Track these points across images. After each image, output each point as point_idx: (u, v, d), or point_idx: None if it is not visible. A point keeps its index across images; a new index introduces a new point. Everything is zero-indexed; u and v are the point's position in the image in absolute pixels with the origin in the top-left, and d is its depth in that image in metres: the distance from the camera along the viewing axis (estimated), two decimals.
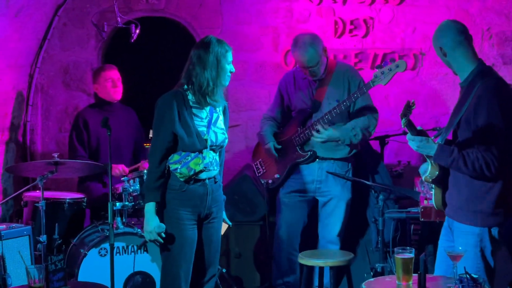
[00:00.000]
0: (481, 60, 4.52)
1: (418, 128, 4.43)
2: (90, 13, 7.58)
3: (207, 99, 4.97)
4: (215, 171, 5.08)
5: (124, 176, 6.42)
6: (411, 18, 7.49)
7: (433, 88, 7.49)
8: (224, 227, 5.32)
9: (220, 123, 5.12)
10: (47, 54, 7.68)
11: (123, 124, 6.86)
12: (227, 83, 5.07)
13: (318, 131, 6.16)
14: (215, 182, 5.11)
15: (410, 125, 4.33)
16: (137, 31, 6.58)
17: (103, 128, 5.31)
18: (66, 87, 7.78)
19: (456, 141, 4.44)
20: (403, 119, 4.25)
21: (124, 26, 6.68)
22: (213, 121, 5.04)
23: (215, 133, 5.04)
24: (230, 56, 5.05)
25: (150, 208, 4.95)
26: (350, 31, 7.52)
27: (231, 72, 5.08)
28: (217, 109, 5.10)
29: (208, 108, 5.04)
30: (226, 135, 5.16)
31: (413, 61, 7.47)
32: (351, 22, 7.52)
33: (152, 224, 4.93)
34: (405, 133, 6.97)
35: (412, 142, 4.40)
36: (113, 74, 6.92)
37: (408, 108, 4.25)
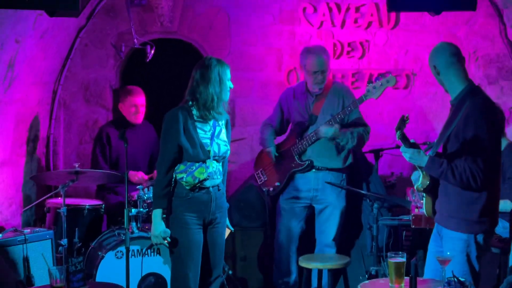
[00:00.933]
0: (471, 80, 4.52)
1: (411, 141, 4.44)
2: (109, 35, 7.60)
3: (212, 112, 5.01)
4: (218, 179, 5.10)
5: (143, 182, 6.50)
6: (403, 41, 7.49)
7: (423, 106, 7.49)
8: (227, 232, 5.33)
9: (223, 135, 5.15)
10: (69, 72, 7.69)
11: (141, 138, 6.85)
12: (227, 98, 5.10)
13: (330, 125, 6.14)
14: (219, 190, 5.13)
15: (404, 138, 4.34)
16: (152, 51, 6.58)
17: (123, 143, 5.31)
18: (86, 102, 7.79)
19: (446, 154, 4.44)
20: (398, 132, 4.26)
21: (140, 46, 6.68)
22: (216, 134, 5.08)
23: (218, 144, 5.07)
24: (229, 73, 5.10)
25: (157, 214, 4.98)
26: (348, 52, 7.53)
27: (230, 88, 5.10)
28: (220, 122, 5.14)
29: (211, 122, 5.07)
30: (229, 147, 5.19)
31: (405, 81, 7.47)
32: (349, 45, 7.52)
33: (158, 229, 4.96)
34: (398, 147, 7.00)
35: (406, 153, 4.41)
36: (138, 100, 6.86)
37: (402, 122, 4.27)
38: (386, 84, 6.04)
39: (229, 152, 5.20)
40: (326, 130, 6.15)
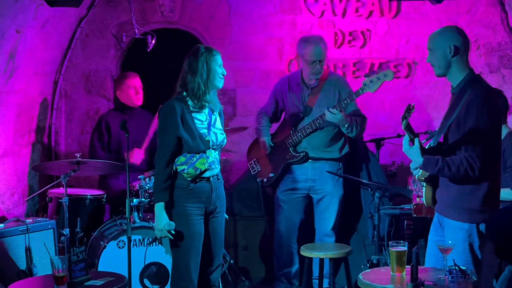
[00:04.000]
0: (471, 68, 4.50)
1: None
2: (110, 25, 7.59)
3: (201, 101, 4.99)
4: (217, 169, 5.12)
5: (141, 161, 6.62)
6: (405, 30, 7.48)
7: (425, 95, 7.48)
8: None
9: (218, 124, 5.17)
10: (70, 63, 7.69)
11: (142, 127, 6.86)
12: (221, 85, 5.09)
13: (334, 111, 6.09)
14: (218, 179, 5.14)
15: (409, 127, 4.32)
16: (153, 41, 6.58)
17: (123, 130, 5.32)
18: (87, 92, 7.79)
19: (447, 143, 4.43)
20: (404, 121, 4.24)
21: (141, 37, 6.67)
22: (212, 123, 5.08)
23: (215, 133, 5.08)
24: (219, 60, 5.05)
25: (159, 207, 4.97)
26: (349, 42, 7.52)
27: (223, 74, 5.08)
28: (215, 112, 5.13)
29: (206, 111, 5.07)
30: (225, 135, 5.20)
31: (406, 70, 7.47)
32: (350, 34, 7.51)
33: (162, 222, 4.95)
34: (399, 136, 7.06)
35: (404, 146, 4.38)
36: (136, 82, 6.94)
37: (408, 111, 4.24)
38: (384, 78, 5.99)
39: (225, 140, 5.21)
40: (331, 117, 6.11)
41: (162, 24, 7.69)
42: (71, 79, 7.75)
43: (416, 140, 4.33)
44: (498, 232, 3.92)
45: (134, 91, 6.93)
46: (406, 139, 4.37)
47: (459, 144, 4.31)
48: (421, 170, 4.46)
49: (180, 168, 4.97)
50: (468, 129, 4.28)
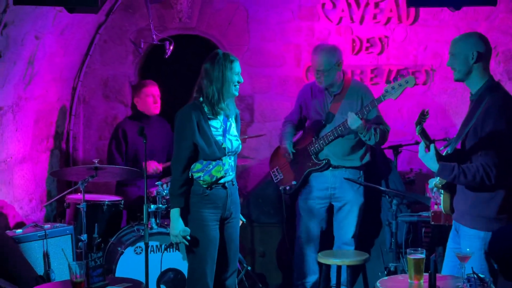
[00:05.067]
0: (491, 76, 4.50)
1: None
2: (128, 31, 7.62)
3: (216, 108, 4.99)
4: (232, 175, 5.12)
5: (158, 173, 6.60)
6: (423, 37, 7.46)
7: (443, 102, 7.45)
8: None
9: (233, 130, 5.16)
10: (89, 69, 7.73)
11: (158, 134, 6.88)
12: (236, 93, 5.07)
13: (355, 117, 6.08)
14: (233, 185, 5.15)
15: (424, 133, 4.31)
16: (171, 47, 6.60)
17: (140, 138, 5.32)
18: (105, 98, 7.82)
19: (464, 150, 4.42)
20: (418, 126, 4.23)
21: (159, 43, 6.70)
22: (227, 129, 5.08)
23: (230, 140, 5.08)
24: (236, 67, 5.04)
25: (175, 213, 4.99)
26: (367, 48, 7.50)
27: (239, 82, 5.06)
28: (230, 118, 5.13)
29: (221, 118, 5.07)
30: (240, 141, 5.19)
31: (424, 77, 7.44)
32: (368, 40, 7.50)
33: (177, 228, 4.97)
34: (417, 143, 7.00)
35: (420, 152, 4.37)
36: (154, 91, 6.96)
37: (422, 116, 4.24)
38: (405, 85, 5.96)
39: (240, 146, 5.21)
40: (353, 121, 6.09)
41: (180, 31, 7.71)
42: (90, 85, 7.78)
43: (431, 146, 4.33)
44: (499, 253, 3.92)
45: (152, 99, 6.95)
46: (422, 145, 4.37)
47: (476, 151, 4.30)
48: (438, 178, 4.45)
49: (196, 175, 4.97)
50: (485, 136, 4.26)
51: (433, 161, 4.32)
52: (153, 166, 6.74)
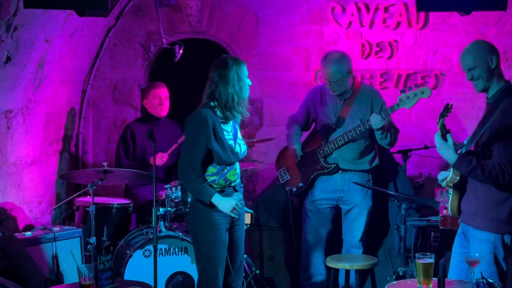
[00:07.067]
0: (508, 81, 4.51)
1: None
2: (138, 34, 7.64)
3: (234, 112, 4.99)
4: (239, 178, 5.13)
5: (163, 163, 6.65)
6: (432, 42, 7.46)
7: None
8: (247, 216, 5.34)
9: (239, 134, 5.17)
10: (98, 72, 7.76)
11: (168, 136, 6.89)
12: (247, 95, 5.07)
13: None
14: (241, 187, 5.15)
15: (443, 126, 4.33)
16: (181, 51, 6.61)
17: (149, 140, 5.33)
18: (115, 102, 7.85)
19: (478, 150, 4.42)
20: (441, 119, 4.25)
21: (168, 46, 6.71)
22: (236, 134, 5.10)
23: (239, 145, 5.09)
24: (246, 71, 5.06)
25: (216, 198, 4.89)
26: (376, 53, 7.51)
27: (249, 85, 5.09)
28: (237, 122, 5.15)
29: (231, 122, 5.07)
30: (246, 146, 5.21)
31: (434, 81, 7.44)
32: (377, 45, 7.51)
33: (229, 203, 4.91)
34: (426, 147, 7.04)
35: (437, 142, 4.37)
36: (162, 93, 6.98)
37: (446, 110, 4.28)
38: (421, 95, 5.85)
39: (247, 150, 5.23)
40: (377, 122, 6.02)
41: (189, 34, 7.74)
42: (99, 88, 7.81)
43: (448, 136, 4.33)
44: None
45: (158, 101, 6.97)
46: (438, 135, 4.36)
47: (492, 150, 4.31)
48: (450, 175, 4.44)
49: (210, 179, 4.96)
50: (502, 136, 4.27)
51: (452, 151, 4.31)
52: (159, 156, 6.70)
